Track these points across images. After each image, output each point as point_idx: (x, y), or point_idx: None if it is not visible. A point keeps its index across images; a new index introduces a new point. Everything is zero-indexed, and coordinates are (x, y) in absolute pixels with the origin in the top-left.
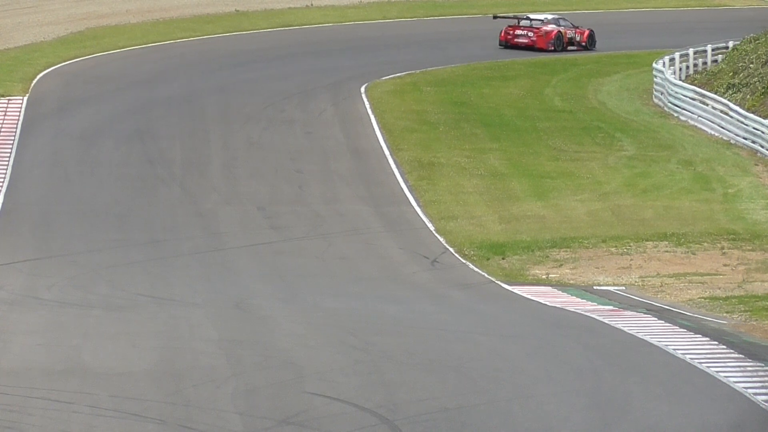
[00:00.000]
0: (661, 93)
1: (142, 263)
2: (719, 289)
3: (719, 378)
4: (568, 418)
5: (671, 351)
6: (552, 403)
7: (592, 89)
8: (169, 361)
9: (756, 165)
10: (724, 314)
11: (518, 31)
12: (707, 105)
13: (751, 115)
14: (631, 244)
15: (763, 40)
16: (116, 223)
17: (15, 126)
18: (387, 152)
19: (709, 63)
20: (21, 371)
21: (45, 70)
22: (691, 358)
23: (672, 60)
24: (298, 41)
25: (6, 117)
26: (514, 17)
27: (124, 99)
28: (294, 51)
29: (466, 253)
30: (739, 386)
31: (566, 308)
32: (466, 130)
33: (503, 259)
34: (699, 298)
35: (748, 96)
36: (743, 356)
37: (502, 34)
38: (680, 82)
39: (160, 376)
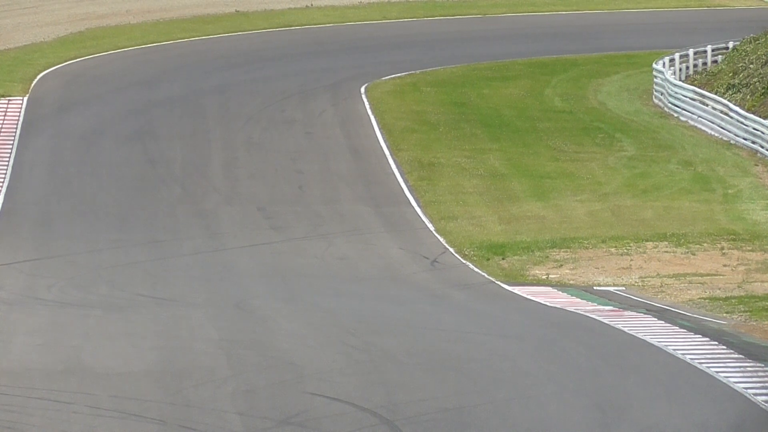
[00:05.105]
0: (661, 93)
1: (142, 263)
2: (719, 289)
3: (719, 378)
4: (568, 418)
5: (671, 351)
6: (552, 403)
7: (592, 89)
8: (169, 361)
9: (756, 165)
10: (724, 314)
11: None
12: (707, 105)
13: (751, 116)
14: (631, 245)
15: (763, 40)
16: (116, 223)
17: (15, 126)
18: (387, 152)
19: (709, 63)
20: (21, 371)
21: (45, 70)
22: (691, 358)
23: (672, 60)
24: (298, 41)
25: (6, 117)
26: None
27: (124, 99)
28: (294, 51)
29: (466, 253)
30: (739, 386)
31: (566, 308)
32: (466, 130)
33: (503, 259)
34: (699, 298)
35: (748, 96)
36: (743, 356)
37: None
38: (680, 83)
39: (160, 376)
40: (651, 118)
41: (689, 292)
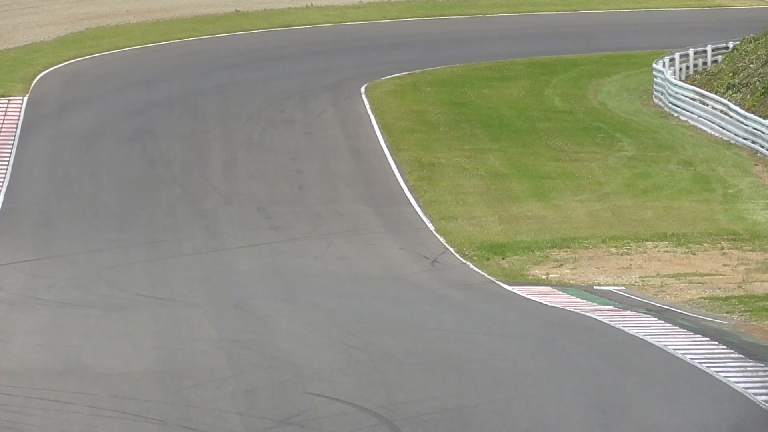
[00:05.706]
0: (661, 93)
1: (142, 263)
2: (719, 289)
3: (719, 378)
4: (568, 418)
5: (671, 351)
6: (552, 403)
7: (592, 89)
8: (169, 361)
9: (756, 165)
10: (724, 314)
11: None
12: (707, 105)
13: (751, 116)
14: (631, 245)
15: (763, 40)
16: (116, 223)
17: (15, 126)
18: (387, 152)
19: (709, 63)
20: (21, 371)
21: (45, 70)
22: (691, 358)
23: (672, 60)
24: (298, 41)
25: (6, 117)
26: None
27: (124, 99)
28: (294, 51)
29: (466, 253)
30: (739, 386)
31: (566, 308)
32: (466, 130)
33: (503, 259)
34: (699, 298)
35: (748, 96)
36: (743, 356)
37: None
38: (680, 83)
39: (160, 376)
40: (651, 118)
41: (689, 292)
